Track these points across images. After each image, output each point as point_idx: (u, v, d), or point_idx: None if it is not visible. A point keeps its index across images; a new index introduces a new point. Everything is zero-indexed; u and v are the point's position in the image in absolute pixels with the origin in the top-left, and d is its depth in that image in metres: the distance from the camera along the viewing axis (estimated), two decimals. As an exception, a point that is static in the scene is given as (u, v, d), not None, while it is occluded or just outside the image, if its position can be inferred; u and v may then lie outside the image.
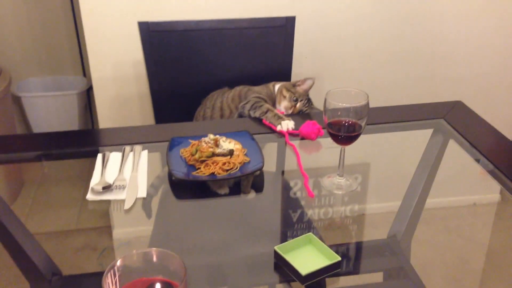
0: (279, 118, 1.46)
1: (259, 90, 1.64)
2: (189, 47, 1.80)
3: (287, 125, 1.44)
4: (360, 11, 2.15)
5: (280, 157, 1.41)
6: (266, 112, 1.50)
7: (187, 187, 1.23)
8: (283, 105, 1.57)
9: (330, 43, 2.20)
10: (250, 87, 1.68)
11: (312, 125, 1.40)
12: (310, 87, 1.60)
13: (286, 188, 1.25)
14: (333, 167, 1.24)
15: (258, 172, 1.23)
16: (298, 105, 1.57)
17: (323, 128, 1.35)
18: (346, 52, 2.22)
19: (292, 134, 1.42)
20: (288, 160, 1.38)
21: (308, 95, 1.60)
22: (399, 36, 2.23)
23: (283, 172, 1.33)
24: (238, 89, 1.70)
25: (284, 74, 1.86)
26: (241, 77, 1.83)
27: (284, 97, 1.58)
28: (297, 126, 1.44)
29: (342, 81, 2.26)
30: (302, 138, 1.40)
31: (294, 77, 1.82)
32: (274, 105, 1.59)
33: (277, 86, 1.63)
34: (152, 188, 1.21)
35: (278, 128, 1.44)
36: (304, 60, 2.20)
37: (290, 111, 1.56)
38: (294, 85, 1.61)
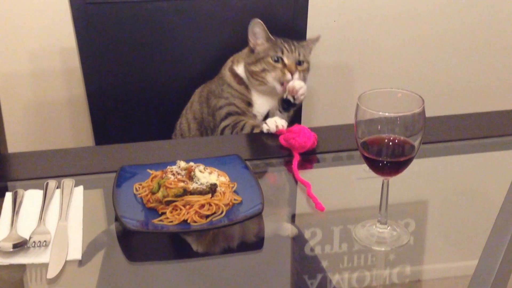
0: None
1: (219, 90, 1.69)
2: (146, 27, 1.81)
3: (275, 122, 1.48)
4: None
5: (287, 193, 1.41)
6: (252, 129, 1.57)
7: (145, 243, 1.23)
8: (276, 76, 1.61)
9: (365, 18, 2.23)
10: (208, 88, 1.75)
11: (302, 133, 1.43)
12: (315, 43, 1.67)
13: (298, 241, 1.25)
14: (371, 209, 1.24)
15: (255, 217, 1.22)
16: (304, 66, 1.62)
17: (355, 149, 1.34)
18: (389, 34, 2.27)
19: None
20: (301, 198, 1.38)
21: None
22: (468, 14, 2.27)
23: (293, 217, 1.33)
24: (196, 94, 1.78)
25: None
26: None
27: (277, 61, 1.61)
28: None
29: (383, 77, 2.29)
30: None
31: (310, 72, 1.83)
32: (246, 95, 1.65)
33: (240, 64, 1.69)
34: (91, 245, 1.20)
35: (265, 129, 1.50)
36: (324, 42, 2.22)
37: (290, 78, 1.60)
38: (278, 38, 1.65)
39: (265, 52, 1.64)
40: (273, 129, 1.49)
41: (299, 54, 1.64)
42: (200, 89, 1.80)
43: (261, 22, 1.63)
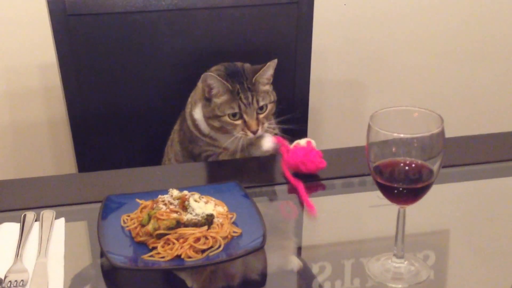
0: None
1: (189, 135, 1.69)
2: (134, 41, 1.82)
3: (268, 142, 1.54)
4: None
5: (292, 224, 1.41)
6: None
7: (134, 281, 1.22)
8: (238, 133, 1.60)
9: (376, 30, 2.24)
10: (183, 132, 1.74)
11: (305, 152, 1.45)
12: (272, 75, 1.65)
13: (305, 277, 1.25)
14: (386, 241, 1.23)
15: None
16: (265, 112, 1.62)
17: (367, 174, 1.34)
18: (403, 46, 2.28)
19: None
20: (308, 228, 1.39)
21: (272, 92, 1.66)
22: (489, 27, 2.29)
23: (299, 250, 1.33)
24: (175, 132, 1.78)
25: (296, 84, 1.89)
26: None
27: (236, 118, 1.60)
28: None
29: (397, 94, 2.30)
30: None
31: (315, 87, 1.83)
32: (216, 143, 1.64)
33: (197, 107, 1.66)
34: (74, 284, 1.19)
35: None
36: (329, 61, 2.22)
37: (253, 135, 1.60)
38: (236, 73, 1.63)
39: (222, 109, 1.59)
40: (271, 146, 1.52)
41: (258, 102, 1.61)
42: (176, 127, 1.79)
43: (214, 74, 1.59)
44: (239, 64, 1.67)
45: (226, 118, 1.59)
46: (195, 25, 1.84)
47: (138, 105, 1.86)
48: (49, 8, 1.73)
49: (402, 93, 2.33)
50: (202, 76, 1.60)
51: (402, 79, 2.33)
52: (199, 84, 1.66)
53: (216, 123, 1.60)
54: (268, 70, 1.63)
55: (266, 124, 1.61)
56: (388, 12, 2.26)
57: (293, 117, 1.69)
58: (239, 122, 1.59)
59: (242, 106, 1.59)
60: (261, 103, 1.61)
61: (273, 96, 1.64)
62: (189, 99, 1.72)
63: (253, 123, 1.59)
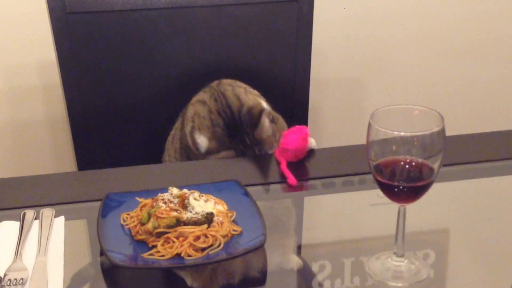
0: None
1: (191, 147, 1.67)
2: (134, 39, 1.82)
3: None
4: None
5: (292, 222, 1.41)
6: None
7: (133, 279, 1.22)
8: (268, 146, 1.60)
9: (375, 28, 2.24)
10: (182, 143, 1.72)
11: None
12: None
13: (305, 275, 1.25)
14: (386, 239, 1.24)
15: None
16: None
17: (367, 173, 1.34)
18: (403, 44, 2.29)
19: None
20: (308, 227, 1.39)
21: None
22: (489, 24, 2.29)
23: (299, 249, 1.33)
24: (169, 143, 1.78)
25: (297, 83, 1.89)
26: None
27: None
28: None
29: (397, 92, 2.31)
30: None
31: (315, 86, 1.83)
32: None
33: (202, 136, 1.64)
34: (73, 283, 1.19)
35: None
36: (329, 59, 2.22)
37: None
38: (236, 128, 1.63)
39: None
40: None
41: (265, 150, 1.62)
42: (177, 125, 1.78)
43: (214, 157, 1.61)
44: (234, 107, 1.64)
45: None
46: (195, 23, 1.84)
47: (138, 103, 1.87)
48: (49, 6, 1.74)
49: (403, 91, 2.33)
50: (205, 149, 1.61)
51: (403, 78, 2.33)
52: (199, 106, 1.67)
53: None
54: (264, 124, 1.60)
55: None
56: (388, 10, 2.26)
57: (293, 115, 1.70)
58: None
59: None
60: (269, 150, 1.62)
61: (277, 124, 1.64)
62: (189, 119, 1.69)
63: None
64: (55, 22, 1.74)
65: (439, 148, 1.12)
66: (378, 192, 1.17)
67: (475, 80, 2.39)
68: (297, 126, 1.51)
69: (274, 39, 1.88)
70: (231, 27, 1.86)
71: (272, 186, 1.46)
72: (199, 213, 1.23)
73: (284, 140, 1.49)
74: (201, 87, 1.80)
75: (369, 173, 1.16)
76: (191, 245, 1.19)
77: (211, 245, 1.20)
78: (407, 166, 1.12)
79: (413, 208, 1.17)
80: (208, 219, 1.23)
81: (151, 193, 1.32)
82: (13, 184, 1.48)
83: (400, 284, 1.18)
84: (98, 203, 1.32)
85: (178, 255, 1.18)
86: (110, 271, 1.22)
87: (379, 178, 1.14)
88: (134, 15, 1.79)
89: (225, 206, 1.29)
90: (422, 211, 1.29)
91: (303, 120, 1.91)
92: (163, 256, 1.18)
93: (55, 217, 1.32)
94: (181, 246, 1.19)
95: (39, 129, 2.15)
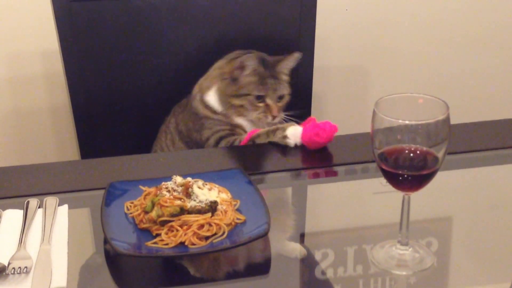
0: (274, 131, 1.55)
1: (199, 125, 1.73)
2: (136, 27, 1.82)
3: (294, 136, 1.52)
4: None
5: (296, 211, 1.41)
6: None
7: (137, 268, 1.22)
8: (257, 116, 1.69)
9: (380, 14, 2.24)
10: (185, 126, 1.78)
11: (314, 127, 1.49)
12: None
13: (308, 264, 1.24)
14: (390, 227, 1.23)
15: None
16: (283, 101, 1.71)
17: (371, 161, 1.34)
18: (407, 31, 2.28)
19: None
20: (311, 215, 1.38)
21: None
22: (494, 10, 2.29)
23: (302, 237, 1.33)
24: (172, 124, 1.81)
25: (300, 70, 1.88)
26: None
27: (260, 101, 1.68)
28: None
29: (402, 81, 2.31)
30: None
31: (318, 74, 1.83)
32: (228, 121, 1.70)
33: (213, 88, 1.72)
34: (77, 271, 1.20)
35: (292, 144, 1.52)
36: (333, 46, 2.22)
37: (271, 120, 1.68)
38: (264, 61, 1.71)
39: (249, 88, 1.69)
40: (292, 143, 1.52)
41: (280, 90, 1.72)
42: (173, 120, 1.81)
43: (254, 56, 1.69)
44: (259, 53, 1.73)
45: (251, 98, 1.68)
46: (197, 11, 1.83)
47: (141, 92, 1.87)
48: (52, -6, 1.74)
49: (407, 79, 2.32)
50: (243, 57, 1.68)
51: (407, 66, 2.32)
52: (215, 71, 1.75)
53: (238, 102, 1.70)
54: (291, 61, 1.73)
55: (282, 113, 1.70)
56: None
57: (296, 103, 1.70)
58: (261, 104, 1.69)
59: (269, 91, 1.69)
60: (282, 92, 1.72)
61: (289, 93, 1.72)
62: (195, 89, 1.76)
63: (275, 108, 1.69)
64: (58, 10, 1.74)
65: (444, 137, 1.11)
66: (382, 180, 1.17)
67: (480, 68, 2.39)
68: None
69: (277, 26, 1.88)
70: (234, 14, 1.85)
71: (275, 175, 1.46)
72: (203, 202, 1.23)
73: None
74: (203, 74, 1.80)
75: (373, 161, 1.16)
76: (195, 233, 1.19)
77: (215, 234, 1.20)
78: (411, 154, 1.12)
79: (417, 197, 1.17)
80: (212, 207, 1.23)
81: (154, 181, 1.32)
82: (17, 172, 1.48)
83: (404, 273, 1.18)
84: (102, 192, 1.32)
85: (182, 243, 1.18)
86: (113, 259, 1.22)
87: (384, 167, 1.14)
88: (137, 2, 1.79)
89: (229, 195, 1.29)
90: (427, 200, 1.28)
91: (307, 108, 1.91)
92: (167, 244, 1.18)
93: (58, 205, 1.32)
94: (185, 235, 1.19)
95: (42, 117, 2.15)
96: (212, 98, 1.72)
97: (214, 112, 1.72)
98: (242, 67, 1.68)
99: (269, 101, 1.68)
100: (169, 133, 1.79)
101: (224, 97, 1.71)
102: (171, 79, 1.86)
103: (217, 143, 1.67)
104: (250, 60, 1.68)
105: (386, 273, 1.18)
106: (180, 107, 1.81)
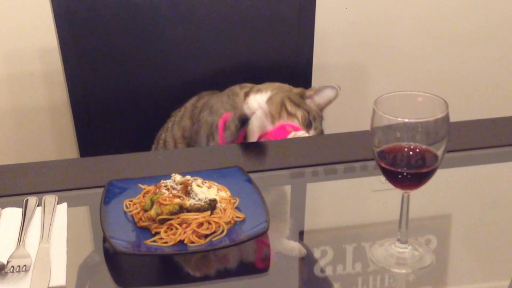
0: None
1: (219, 104, 1.69)
2: (137, 25, 1.82)
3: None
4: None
5: (295, 209, 1.41)
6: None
7: (136, 266, 1.22)
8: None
9: (379, 12, 2.24)
10: (208, 97, 1.75)
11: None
12: (329, 103, 1.69)
13: (307, 262, 1.24)
14: (389, 225, 1.23)
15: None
16: (311, 131, 1.64)
17: (371, 159, 1.34)
18: (406, 29, 2.29)
19: None
20: (310, 213, 1.38)
21: (322, 115, 1.68)
22: (494, 8, 2.29)
23: (301, 235, 1.33)
24: (188, 108, 1.78)
25: (299, 68, 1.89)
26: (227, 74, 1.85)
27: (291, 115, 1.61)
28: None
29: (401, 78, 2.31)
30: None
31: (317, 72, 1.83)
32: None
33: (257, 96, 1.68)
34: (76, 269, 1.20)
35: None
36: (332, 44, 2.22)
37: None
38: (302, 96, 1.67)
39: (311, 111, 1.68)
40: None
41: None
42: (194, 99, 1.80)
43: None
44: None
45: None
46: (196, 8, 1.83)
47: (140, 90, 1.87)
48: (50, -9, 1.74)
49: (407, 77, 2.32)
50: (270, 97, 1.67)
51: (407, 64, 2.32)
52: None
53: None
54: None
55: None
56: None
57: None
58: None
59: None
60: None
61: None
62: (240, 88, 1.74)
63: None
64: (56, 7, 1.74)
65: (443, 135, 1.11)
66: (381, 178, 1.17)
67: (479, 66, 2.39)
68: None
69: (276, 24, 1.88)
70: (233, 12, 1.85)
71: (275, 173, 1.45)
72: (202, 200, 1.23)
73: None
74: (203, 72, 1.80)
75: (372, 159, 1.16)
76: (194, 231, 1.19)
77: (214, 232, 1.20)
78: (411, 152, 1.12)
79: (416, 195, 1.17)
80: (211, 205, 1.23)
81: (154, 179, 1.32)
82: (15, 170, 1.48)
83: (403, 271, 1.18)
84: (101, 190, 1.31)
85: (181, 241, 1.18)
86: (112, 257, 1.22)
87: (383, 165, 1.14)
88: (136, 0, 1.79)
89: (228, 193, 1.29)
90: (426, 198, 1.29)
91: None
92: (166, 242, 1.18)
93: (57, 203, 1.32)
94: (184, 233, 1.19)
95: (41, 115, 2.15)
96: (256, 98, 1.69)
97: (237, 103, 1.69)
98: (319, 91, 1.70)
99: (311, 131, 1.66)
100: (171, 136, 1.78)
101: (282, 97, 1.68)
102: (169, 77, 1.86)
103: (206, 136, 1.66)
104: (330, 95, 1.70)
105: (385, 271, 1.18)
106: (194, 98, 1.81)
